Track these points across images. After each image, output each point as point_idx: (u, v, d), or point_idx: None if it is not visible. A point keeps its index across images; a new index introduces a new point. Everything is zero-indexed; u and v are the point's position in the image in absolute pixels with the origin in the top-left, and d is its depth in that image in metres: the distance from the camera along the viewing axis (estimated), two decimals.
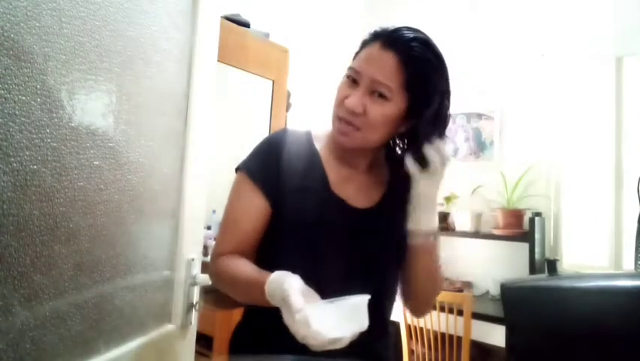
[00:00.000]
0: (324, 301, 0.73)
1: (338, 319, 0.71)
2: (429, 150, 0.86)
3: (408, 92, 0.86)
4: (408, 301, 1.01)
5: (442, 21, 3.33)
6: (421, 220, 0.90)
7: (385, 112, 0.86)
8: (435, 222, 0.92)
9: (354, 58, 0.92)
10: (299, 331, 0.68)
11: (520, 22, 3.07)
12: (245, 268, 0.86)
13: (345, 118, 0.87)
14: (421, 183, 0.88)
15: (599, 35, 2.76)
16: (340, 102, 0.88)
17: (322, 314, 0.70)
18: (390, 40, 0.86)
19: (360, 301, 0.75)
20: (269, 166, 0.91)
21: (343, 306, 0.73)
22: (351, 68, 0.89)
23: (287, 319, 0.70)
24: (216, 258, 0.90)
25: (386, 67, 0.85)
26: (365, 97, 0.86)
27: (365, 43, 0.91)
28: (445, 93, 0.90)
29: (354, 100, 0.85)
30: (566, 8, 2.91)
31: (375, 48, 0.87)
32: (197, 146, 1.04)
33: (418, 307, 1.03)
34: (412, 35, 0.87)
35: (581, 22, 2.84)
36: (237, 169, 0.95)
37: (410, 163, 0.87)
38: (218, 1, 1.11)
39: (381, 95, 0.85)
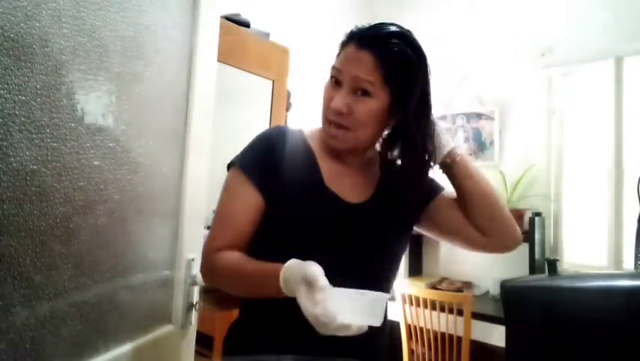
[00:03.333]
0: (342, 288, 0.74)
1: (354, 308, 0.72)
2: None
3: (389, 86, 0.87)
4: (486, 237, 0.96)
5: (441, 21, 3.33)
6: (438, 157, 0.94)
7: (370, 108, 0.88)
8: (451, 142, 0.96)
9: (336, 59, 0.93)
10: (312, 310, 0.69)
11: (520, 22, 3.07)
12: (249, 260, 0.87)
13: (334, 120, 0.89)
14: None
15: (599, 35, 2.76)
16: (327, 105, 0.90)
17: (341, 299, 0.71)
18: (365, 39, 0.88)
19: (380, 298, 0.75)
20: (263, 162, 0.92)
21: (363, 297, 0.74)
22: (333, 68, 0.91)
23: (302, 298, 0.71)
24: (212, 253, 0.90)
25: (363, 64, 0.86)
26: (349, 96, 0.87)
27: (343, 45, 0.92)
28: (426, 83, 0.92)
29: (339, 101, 0.87)
30: (566, 8, 2.91)
31: (351, 49, 0.89)
32: (197, 146, 1.04)
33: (498, 231, 0.96)
34: (386, 31, 0.89)
35: (580, 22, 2.84)
36: (230, 165, 0.95)
37: None
38: (218, 1, 1.11)
39: (365, 93, 0.87)
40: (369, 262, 0.93)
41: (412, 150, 0.93)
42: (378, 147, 0.99)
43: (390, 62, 0.86)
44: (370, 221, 0.94)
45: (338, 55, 0.93)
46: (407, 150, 0.94)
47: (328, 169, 0.95)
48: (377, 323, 0.74)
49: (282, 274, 0.76)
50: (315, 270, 0.73)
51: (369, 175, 0.99)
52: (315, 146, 0.98)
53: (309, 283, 0.71)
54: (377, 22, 0.92)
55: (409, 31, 0.91)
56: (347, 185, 0.95)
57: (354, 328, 0.71)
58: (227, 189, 0.95)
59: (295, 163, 0.93)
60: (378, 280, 0.96)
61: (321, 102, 0.93)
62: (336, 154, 0.96)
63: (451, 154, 0.94)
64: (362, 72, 0.86)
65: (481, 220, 0.95)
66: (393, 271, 1.01)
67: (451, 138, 0.97)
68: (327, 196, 0.93)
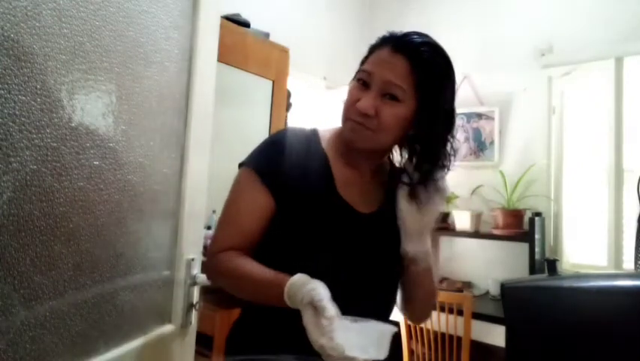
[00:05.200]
0: (350, 317, 0.73)
1: (360, 339, 0.71)
2: (431, 187, 0.89)
3: (418, 94, 0.87)
4: (405, 312, 1.05)
5: (441, 21, 3.33)
6: (407, 244, 0.91)
7: (397, 113, 0.86)
8: (424, 247, 0.92)
9: (363, 62, 0.92)
10: (319, 339, 0.68)
11: (520, 21, 3.08)
12: (254, 265, 0.85)
13: (356, 121, 0.87)
14: (406, 212, 0.90)
15: (599, 35, 2.76)
16: (351, 104, 0.88)
17: (349, 331, 0.70)
18: (400, 44, 0.87)
19: (387, 331, 0.75)
20: (276, 164, 0.90)
21: (369, 329, 0.73)
22: (362, 71, 0.89)
23: (309, 323, 0.70)
24: (217, 253, 0.89)
25: (397, 69, 0.85)
26: (377, 99, 0.86)
27: (374, 48, 0.91)
28: (453, 97, 0.91)
29: (367, 102, 0.85)
30: (566, 8, 2.91)
31: (385, 52, 0.87)
32: (197, 146, 1.04)
33: (414, 318, 1.10)
34: (420, 40, 0.88)
35: (580, 22, 2.84)
36: (242, 164, 0.94)
37: (401, 192, 0.90)
38: (218, 1, 1.11)
39: (393, 97, 0.86)
40: (375, 272, 0.93)
41: (429, 161, 0.91)
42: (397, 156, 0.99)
43: (424, 71, 0.86)
44: (379, 231, 0.93)
45: (366, 58, 0.92)
46: (424, 160, 0.92)
47: (341, 176, 0.94)
48: (382, 355, 0.73)
49: (287, 288, 0.75)
50: (322, 295, 0.71)
51: (378, 183, 0.98)
52: (328, 150, 0.96)
53: (316, 309, 0.70)
54: (409, 30, 0.92)
55: (438, 43, 0.92)
56: (358, 193, 0.94)
57: (358, 360, 0.70)
58: (237, 189, 0.93)
59: (308, 167, 0.92)
60: (384, 289, 0.96)
61: (345, 101, 0.91)
62: (349, 159, 0.95)
63: (414, 256, 0.93)
64: (394, 77, 0.85)
65: (407, 301, 1.02)
66: (398, 281, 1.00)
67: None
68: (339, 205, 0.91)
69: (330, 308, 0.70)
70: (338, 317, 0.70)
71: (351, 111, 0.88)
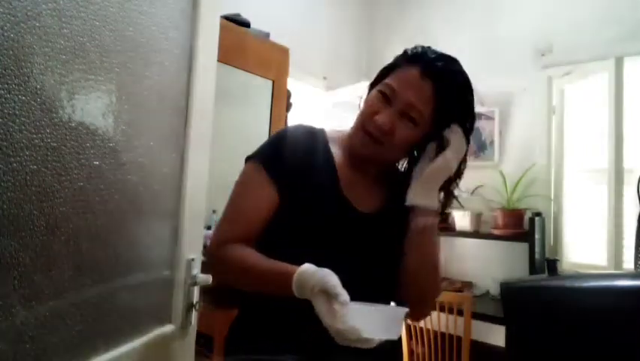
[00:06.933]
0: (360, 302, 0.74)
1: (374, 321, 0.72)
2: (450, 133, 0.90)
3: (435, 119, 0.89)
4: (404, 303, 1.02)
5: (441, 20, 3.33)
6: (410, 193, 0.91)
7: (411, 135, 0.89)
8: (434, 202, 0.92)
9: (386, 72, 0.93)
10: (335, 324, 0.69)
11: (520, 21, 3.08)
12: (259, 257, 0.86)
13: (372, 133, 0.89)
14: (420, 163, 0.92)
15: (599, 35, 2.76)
16: (370, 116, 0.90)
17: (361, 313, 0.72)
18: (431, 69, 0.88)
19: (398, 312, 0.77)
20: (282, 159, 0.92)
21: (381, 311, 0.75)
22: (387, 85, 0.90)
23: (322, 310, 0.71)
24: (221, 245, 0.89)
25: (422, 93, 0.87)
26: (395, 116, 0.88)
27: (402, 63, 0.92)
28: (469, 129, 0.94)
29: (386, 118, 0.87)
30: (566, 8, 2.91)
31: (414, 73, 0.88)
32: (197, 146, 1.04)
33: (414, 307, 0.99)
34: (451, 68, 0.90)
35: (580, 22, 2.84)
36: (250, 158, 0.95)
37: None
38: (218, 1, 1.11)
39: (411, 119, 0.88)
40: (374, 271, 0.93)
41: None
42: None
43: (446, 99, 0.88)
44: (380, 231, 0.94)
45: (391, 69, 0.93)
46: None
47: (345, 176, 0.95)
48: (395, 336, 0.75)
49: (295, 278, 0.76)
50: (335, 282, 0.72)
51: (381, 186, 1.00)
52: (335, 150, 0.97)
53: (329, 295, 0.71)
54: (442, 51, 0.93)
55: (463, 69, 0.93)
56: (361, 194, 0.95)
57: (375, 342, 0.71)
58: (243, 182, 0.94)
59: (314, 165, 0.93)
60: (382, 289, 0.96)
61: (363, 109, 0.93)
62: (354, 161, 0.96)
63: (416, 209, 0.91)
64: (418, 101, 0.87)
65: (410, 291, 0.95)
66: (394, 280, 1.00)
67: (437, 198, 0.94)
68: (342, 203, 0.92)
69: (344, 294, 0.71)
70: (351, 302, 0.72)
71: (368, 122, 0.90)
